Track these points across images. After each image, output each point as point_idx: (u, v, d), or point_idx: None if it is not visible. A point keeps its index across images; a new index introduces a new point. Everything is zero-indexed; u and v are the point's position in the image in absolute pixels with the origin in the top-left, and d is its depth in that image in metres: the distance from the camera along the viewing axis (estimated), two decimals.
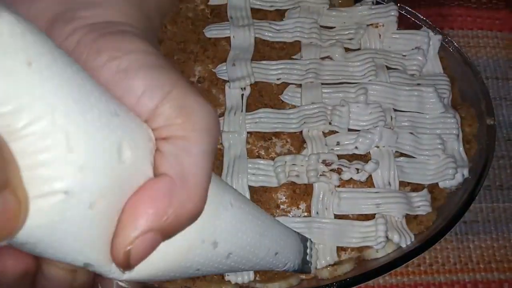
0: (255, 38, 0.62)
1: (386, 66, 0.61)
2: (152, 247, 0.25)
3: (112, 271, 0.26)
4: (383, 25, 0.63)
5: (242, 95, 0.58)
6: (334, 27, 0.64)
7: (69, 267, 0.27)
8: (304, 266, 0.44)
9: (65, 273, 0.27)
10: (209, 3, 0.65)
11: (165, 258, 0.28)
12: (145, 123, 0.26)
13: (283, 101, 0.59)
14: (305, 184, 0.54)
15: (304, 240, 0.45)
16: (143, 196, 0.25)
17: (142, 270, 0.27)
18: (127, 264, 0.25)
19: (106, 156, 0.23)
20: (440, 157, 0.56)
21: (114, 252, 0.25)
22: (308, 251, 0.44)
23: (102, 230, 0.25)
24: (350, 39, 0.63)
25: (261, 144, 0.57)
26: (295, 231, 0.43)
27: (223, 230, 0.31)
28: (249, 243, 0.35)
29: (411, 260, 0.53)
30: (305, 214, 0.53)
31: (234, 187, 0.53)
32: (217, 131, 0.27)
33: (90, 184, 0.23)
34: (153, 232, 0.25)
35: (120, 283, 0.30)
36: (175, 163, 0.25)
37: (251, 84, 0.59)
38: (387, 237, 0.52)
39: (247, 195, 0.52)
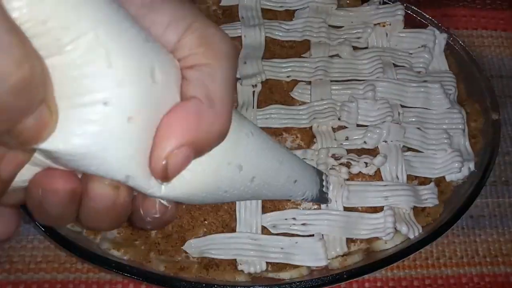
0: (266, 37, 0.64)
1: (393, 64, 0.63)
2: (186, 160, 0.28)
3: (151, 185, 0.29)
4: (390, 24, 0.65)
5: (254, 92, 0.60)
6: (342, 26, 0.66)
7: (113, 183, 0.28)
8: (321, 196, 0.49)
9: (108, 189, 0.28)
10: (221, 3, 0.67)
11: (196, 177, 0.31)
12: (170, 53, 0.28)
13: (293, 98, 0.61)
14: None
15: (319, 173, 0.49)
16: (176, 114, 0.27)
17: (178, 188, 0.30)
18: (165, 175, 0.28)
19: (141, 75, 0.25)
20: (447, 151, 0.58)
21: (153, 163, 0.27)
22: (324, 183, 0.50)
23: (141, 144, 0.27)
24: (358, 37, 0.65)
25: None
26: (310, 165, 0.47)
27: (246, 155, 0.34)
28: (270, 168, 0.38)
29: (418, 252, 0.54)
30: (315, 206, 0.55)
31: None
32: (236, 59, 0.30)
33: (127, 98, 0.25)
34: (187, 146, 0.27)
35: (162, 202, 0.31)
36: (201, 87, 0.27)
37: (262, 82, 0.60)
38: (395, 228, 0.53)
39: None
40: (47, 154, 0.26)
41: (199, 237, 0.54)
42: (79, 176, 0.29)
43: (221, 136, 0.29)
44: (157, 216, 0.32)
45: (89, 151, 0.25)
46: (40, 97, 0.22)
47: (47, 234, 0.52)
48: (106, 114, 0.24)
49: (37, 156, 0.27)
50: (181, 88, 0.28)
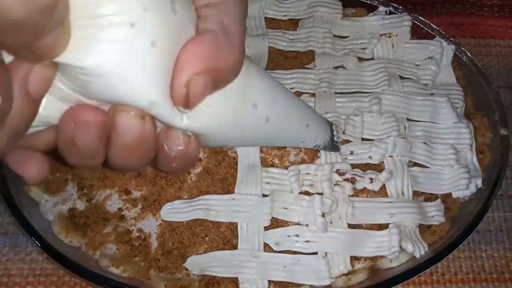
0: (269, 47, 0.62)
1: (400, 76, 0.61)
2: (206, 89, 0.31)
3: (173, 114, 0.31)
4: (396, 35, 0.63)
5: None
6: (348, 36, 0.65)
7: (138, 113, 0.30)
8: (332, 144, 0.52)
9: (134, 119, 0.30)
10: None
11: (215, 111, 0.34)
12: None
13: None
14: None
15: (329, 123, 0.52)
16: (194, 43, 0.30)
17: (199, 120, 0.33)
18: (186, 102, 0.30)
19: (163, 4, 0.28)
20: (454, 167, 0.56)
21: (174, 90, 0.30)
22: (334, 133, 0.52)
23: (163, 70, 0.29)
24: (364, 48, 0.63)
25: (275, 152, 0.57)
26: (318, 113, 0.50)
27: (260, 94, 0.37)
28: (283, 109, 0.41)
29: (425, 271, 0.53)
30: (319, 224, 0.54)
31: (248, 195, 0.54)
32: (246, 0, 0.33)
33: (152, 22, 0.27)
34: (206, 74, 0.30)
35: (185, 132, 0.33)
36: (217, 21, 0.31)
37: None
38: (400, 246, 0.52)
39: (265, 204, 0.53)
40: (74, 76, 0.28)
41: (200, 253, 0.53)
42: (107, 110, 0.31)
43: (237, 68, 0.32)
44: (181, 148, 0.33)
45: (115, 70, 0.27)
46: (62, 18, 0.25)
47: (45, 251, 0.51)
48: (132, 35, 0.27)
49: (66, 89, 0.29)
50: (196, 25, 0.31)
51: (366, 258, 0.53)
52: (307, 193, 0.54)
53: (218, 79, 0.31)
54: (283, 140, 0.44)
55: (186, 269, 0.52)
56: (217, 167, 0.56)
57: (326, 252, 0.52)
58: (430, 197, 0.57)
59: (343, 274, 0.52)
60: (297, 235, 0.53)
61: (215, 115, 0.34)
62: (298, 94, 0.60)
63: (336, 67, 0.61)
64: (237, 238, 0.53)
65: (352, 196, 0.54)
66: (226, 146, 0.50)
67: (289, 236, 0.53)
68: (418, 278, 0.60)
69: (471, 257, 0.62)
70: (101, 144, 0.32)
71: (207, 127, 0.34)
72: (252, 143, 0.44)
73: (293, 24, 0.65)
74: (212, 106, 0.33)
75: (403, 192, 0.55)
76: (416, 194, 0.56)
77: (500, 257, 0.63)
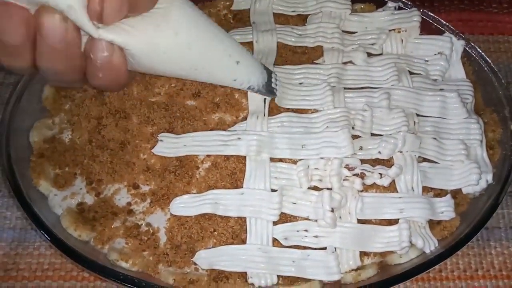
0: (278, 42, 0.62)
1: (409, 71, 0.61)
2: (120, 10, 0.36)
3: (89, 25, 0.36)
4: (405, 30, 0.63)
5: (265, 99, 0.58)
6: (356, 32, 0.64)
7: (61, 16, 0.35)
8: (268, 89, 0.55)
9: (58, 21, 0.35)
10: (232, 8, 0.66)
11: (135, 32, 0.40)
12: None
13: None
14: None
15: (267, 70, 0.55)
16: None
17: (120, 35, 0.39)
18: (99, 18, 0.36)
19: None
20: (464, 163, 0.56)
21: (90, 5, 0.35)
22: (273, 80, 0.55)
23: None
24: (372, 44, 0.63)
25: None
26: (256, 59, 0.54)
27: (182, 23, 0.42)
28: (207, 40, 0.45)
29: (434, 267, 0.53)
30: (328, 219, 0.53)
31: (257, 190, 0.54)
32: None
33: None
34: None
35: (108, 41, 0.39)
36: None
37: None
38: (410, 242, 0.52)
39: (274, 198, 0.53)
40: None
41: (209, 248, 0.53)
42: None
43: None
44: (105, 55, 0.38)
45: None
46: None
47: (54, 244, 0.51)
48: None
49: None
50: None
51: (375, 254, 0.53)
52: (316, 188, 0.54)
53: (134, 3, 0.37)
54: (211, 73, 0.49)
55: (195, 264, 0.52)
56: (225, 162, 0.56)
57: (335, 248, 0.52)
58: (440, 193, 0.56)
59: (353, 270, 0.52)
60: (306, 230, 0.53)
61: (138, 37, 0.40)
62: None
63: (345, 63, 0.61)
64: (246, 232, 0.53)
65: (362, 191, 0.54)
66: (156, 73, 0.51)
67: (298, 231, 0.53)
68: (427, 274, 0.60)
69: (480, 254, 0.62)
70: (27, 42, 0.36)
71: (131, 46, 0.40)
72: (179, 71, 0.48)
73: (302, 19, 0.65)
74: (135, 27, 0.39)
75: (412, 188, 0.55)
76: (425, 189, 0.56)
77: (510, 254, 0.62)
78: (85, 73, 0.42)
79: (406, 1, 0.66)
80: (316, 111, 0.59)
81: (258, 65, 0.53)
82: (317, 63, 0.62)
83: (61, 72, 0.41)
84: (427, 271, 0.53)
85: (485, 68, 0.62)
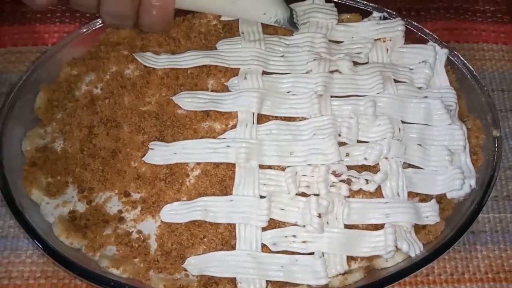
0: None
1: (394, 79, 0.63)
2: None
3: None
4: (390, 40, 0.65)
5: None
6: (343, 41, 0.66)
7: None
8: (291, 23, 0.63)
9: None
10: (221, 18, 0.67)
11: None
12: None
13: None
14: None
15: (289, 7, 0.63)
16: None
17: None
18: None
19: None
20: (448, 168, 0.57)
21: None
22: (294, 15, 0.63)
23: None
24: (358, 53, 0.64)
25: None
26: None
27: None
28: None
29: (420, 270, 0.54)
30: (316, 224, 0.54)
31: (246, 197, 0.55)
32: None
33: None
34: None
35: None
36: None
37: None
38: (396, 246, 0.53)
39: (262, 205, 0.54)
40: None
41: (199, 254, 0.54)
42: None
43: None
44: None
45: None
46: None
47: (46, 252, 0.52)
48: None
49: None
50: None
51: (362, 258, 0.54)
52: (303, 194, 0.55)
53: None
54: (245, 6, 0.57)
55: (185, 270, 0.53)
56: (215, 169, 0.57)
57: (323, 252, 0.53)
58: (425, 198, 0.58)
59: (340, 274, 0.53)
60: (294, 236, 0.54)
61: None
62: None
63: (332, 71, 0.62)
64: (235, 239, 0.54)
65: (348, 197, 0.55)
66: (198, 9, 0.61)
67: (286, 236, 0.54)
68: (415, 278, 0.61)
69: (467, 257, 0.63)
70: None
71: None
72: (218, 4, 0.58)
73: (290, 30, 0.66)
74: None
75: (398, 193, 0.56)
76: (411, 195, 0.57)
77: (495, 257, 0.63)
78: (137, 12, 0.51)
79: (391, 11, 0.67)
80: (303, 119, 0.60)
81: (282, 1, 0.61)
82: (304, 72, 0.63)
83: (121, 13, 0.51)
84: (414, 274, 0.54)
85: (468, 76, 0.64)
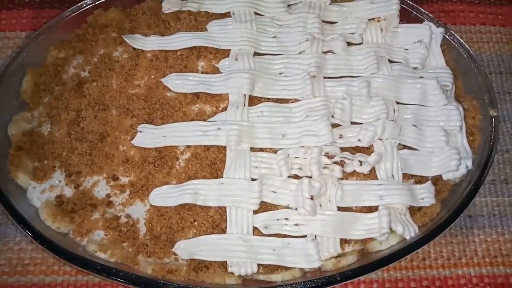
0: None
1: (389, 60, 0.61)
2: None
3: None
4: (385, 19, 0.63)
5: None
6: (336, 21, 0.64)
7: None
8: None
9: None
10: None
11: None
12: None
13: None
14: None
15: None
16: None
17: None
18: None
19: None
20: (444, 149, 0.56)
21: None
22: None
23: None
24: (352, 33, 0.63)
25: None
26: None
27: None
28: None
29: (415, 253, 0.53)
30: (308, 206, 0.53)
31: (237, 179, 0.53)
32: None
33: None
34: None
35: None
36: None
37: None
38: (390, 228, 0.52)
39: (254, 187, 0.52)
40: None
41: (189, 238, 0.52)
42: None
43: None
44: None
45: None
46: None
47: (32, 237, 0.51)
48: None
49: None
50: None
51: (356, 241, 0.53)
52: (296, 176, 0.54)
53: None
54: None
55: (175, 254, 0.52)
56: (205, 152, 0.56)
57: (315, 235, 0.52)
58: (420, 180, 0.56)
59: (333, 257, 0.52)
60: (286, 219, 0.53)
61: None
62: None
63: (325, 52, 0.61)
64: (226, 222, 0.52)
65: (342, 179, 0.54)
66: None
67: (278, 219, 0.53)
68: (411, 263, 0.60)
69: (464, 242, 0.62)
70: None
71: None
72: None
73: None
74: None
75: (392, 175, 0.55)
76: (406, 176, 0.56)
77: (493, 242, 0.62)
78: None
79: None
80: (296, 100, 0.58)
81: None
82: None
83: None
84: (410, 259, 0.53)
85: (465, 56, 0.62)
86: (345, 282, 0.52)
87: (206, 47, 0.61)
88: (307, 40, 0.61)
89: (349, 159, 0.54)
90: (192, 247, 0.52)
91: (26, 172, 0.56)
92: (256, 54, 0.61)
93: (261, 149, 0.56)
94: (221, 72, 0.60)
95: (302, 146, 0.55)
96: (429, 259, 0.61)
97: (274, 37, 0.62)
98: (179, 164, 0.56)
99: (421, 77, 0.60)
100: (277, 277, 0.51)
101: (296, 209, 0.52)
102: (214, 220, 0.53)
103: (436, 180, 0.56)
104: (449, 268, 0.61)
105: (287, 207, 0.53)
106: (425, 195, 0.54)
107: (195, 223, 0.53)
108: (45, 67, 0.62)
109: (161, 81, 0.59)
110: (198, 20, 0.63)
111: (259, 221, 0.53)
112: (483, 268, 0.61)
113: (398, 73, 0.60)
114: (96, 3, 0.64)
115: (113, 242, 0.52)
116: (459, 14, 0.78)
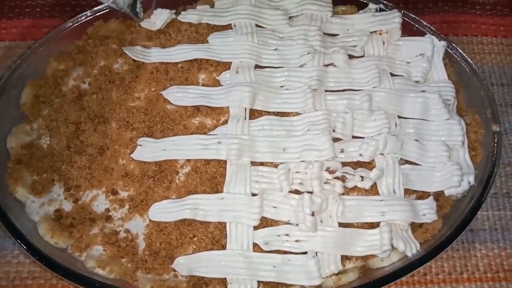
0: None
1: (390, 73, 0.61)
2: None
3: None
4: (386, 32, 0.63)
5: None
6: (338, 34, 0.64)
7: None
8: (133, 10, 0.62)
9: None
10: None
11: None
12: None
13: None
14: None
15: None
16: None
17: None
18: None
19: None
20: (446, 164, 0.56)
21: None
22: (138, 4, 0.62)
23: None
24: (354, 46, 0.63)
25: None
26: None
27: None
28: None
29: (417, 269, 0.52)
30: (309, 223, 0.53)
31: (237, 194, 0.53)
32: None
33: None
34: None
35: None
36: None
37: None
38: (392, 245, 0.51)
39: (254, 203, 0.52)
40: None
41: (188, 254, 0.52)
42: None
43: None
44: None
45: None
46: None
47: (30, 253, 0.50)
48: None
49: None
50: None
51: (357, 258, 0.52)
52: (297, 191, 0.54)
53: None
54: None
55: (174, 270, 0.52)
56: (206, 166, 0.55)
57: (316, 252, 0.51)
58: (422, 195, 0.56)
59: (334, 274, 0.51)
60: (287, 235, 0.52)
61: None
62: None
63: (327, 65, 0.61)
64: (226, 238, 0.52)
65: (343, 194, 0.53)
66: None
67: (278, 235, 0.52)
68: (412, 278, 0.60)
69: (466, 256, 0.62)
70: None
71: None
72: None
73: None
74: None
75: (394, 190, 0.54)
76: (408, 192, 0.55)
77: (494, 256, 0.62)
78: None
79: (388, 2, 0.65)
80: (297, 114, 0.58)
81: None
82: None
83: None
84: (410, 274, 0.52)
85: (467, 69, 0.62)
86: None
87: (207, 60, 0.61)
88: (308, 53, 0.60)
89: (350, 174, 0.54)
90: (191, 263, 0.51)
91: (25, 185, 0.55)
92: (257, 66, 0.60)
93: (262, 163, 0.55)
94: (222, 85, 0.60)
95: (303, 161, 0.54)
96: (430, 274, 0.60)
97: (275, 49, 0.62)
98: (179, 178, 0.55)
99: (423, 91, 0.60)
100: None
101: (297, 225, 0.52)
102: (214, 236, 0.52)
103: (438, 196, 0.56)
104: (451, 283, 0.60)
105: (288, 223, 0.53)
106: (427, 211, 0.54)
107: (195, 238, 0.53)
108: (45, 79, 0.62)
109: (161, 94, 0.59)
110: (199, 32, 0.63)
111: (259, 237, 0.52)
112: (485, 283, 0.60)
113: (400, 87, 0.60)
114: (97, 14, 0.64)
115: (112, 258, 0.52)
116: (461, 25, 0.78)
